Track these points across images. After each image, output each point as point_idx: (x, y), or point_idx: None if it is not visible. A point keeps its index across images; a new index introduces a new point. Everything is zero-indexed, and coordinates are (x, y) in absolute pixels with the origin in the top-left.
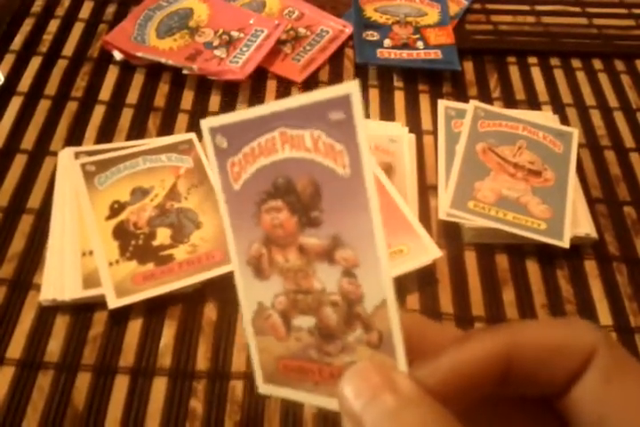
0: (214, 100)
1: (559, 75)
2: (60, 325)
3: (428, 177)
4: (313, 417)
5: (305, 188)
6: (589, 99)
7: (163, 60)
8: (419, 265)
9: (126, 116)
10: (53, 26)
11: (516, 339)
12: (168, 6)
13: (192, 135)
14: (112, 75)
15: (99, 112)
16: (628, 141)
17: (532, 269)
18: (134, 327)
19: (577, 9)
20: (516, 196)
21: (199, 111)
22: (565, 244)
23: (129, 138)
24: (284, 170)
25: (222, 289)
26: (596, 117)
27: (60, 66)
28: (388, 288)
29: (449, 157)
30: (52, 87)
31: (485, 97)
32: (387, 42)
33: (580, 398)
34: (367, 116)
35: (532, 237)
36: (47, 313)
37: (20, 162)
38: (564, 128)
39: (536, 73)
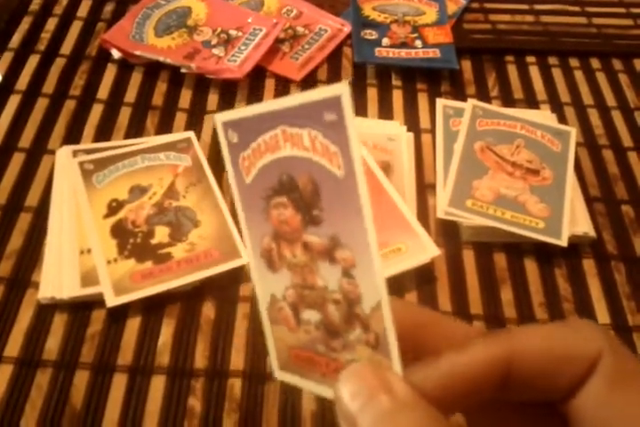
0: (212, 99)
1: (557, 74)
2: (59, 323)
3: (427, 176)
4: (311, 415)
5: (305, 186)
6: (587, 98)
7: (161, 59)
8: (417, 263)
9: (124, 114)
10: (51, 24)
11: (516, 346)
12: (166, 5)
13: (190, 134)
14: (110, 73)
15: (97, 110)
16: (626, 140)
17: (530, 267)
18: (132, 326)
19: (576, 8)
20: (514, 194)
21: (197, 110)
22: (563, 242)
23: (127, 136)
24: (287, 167)
25: (220, 287)
26: (594, 116)
27: (58, 64)
28: (382, 290)
29: (447, 155)
30: (49, 85)
31: (484, 96)
32: (385, 41)
33: (583, 403)
34: (365, 114)
35: (530, 235)
36: (45, 311)
37: (17, 160)
38: (563, 127)
39: (534, 72)
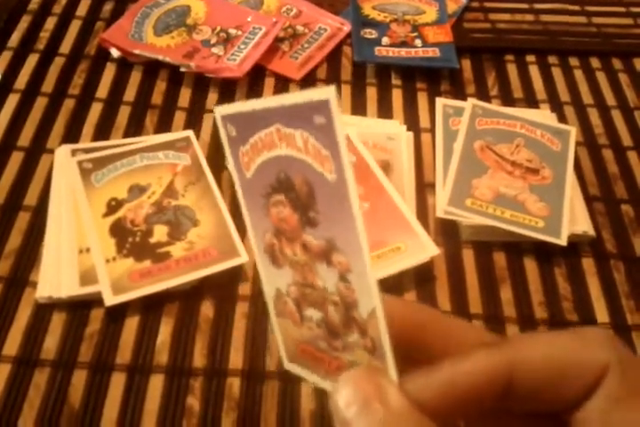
0: (212, 98)
1: (557, 73)
2: (57, 322)
3: (426, 175)
4: (310, 414)
5: (301, 187)
6: (587, 97)
7: (160, 58)
8: (416, 263)
9: (123, 113)
10: (50, 23)
11: (519, 355)
12: (165, 4)
13: (189, 133)
14: (109, 72)
15: (96, 109)
16: (626, 140)
17: (530, 266)
18: (131, 325)
19: (576, 7)
20: (514, 193)
21: (196, 109)
22: (563, 241)
23: (126, 135)
24: (284, 166)
25: (219, 286)
26: (594, 116)
27: (57, 63)
28: (376, 298)
29: (447, 154)
30: (48, 84)
31: (483, 95)
32: (385, 40)
33: (587, 416)
34: (365, 113)
35: (529, 234)
36: (44, 310)
37: (16, 159)
38: (562, 126)
39: (534, 71)
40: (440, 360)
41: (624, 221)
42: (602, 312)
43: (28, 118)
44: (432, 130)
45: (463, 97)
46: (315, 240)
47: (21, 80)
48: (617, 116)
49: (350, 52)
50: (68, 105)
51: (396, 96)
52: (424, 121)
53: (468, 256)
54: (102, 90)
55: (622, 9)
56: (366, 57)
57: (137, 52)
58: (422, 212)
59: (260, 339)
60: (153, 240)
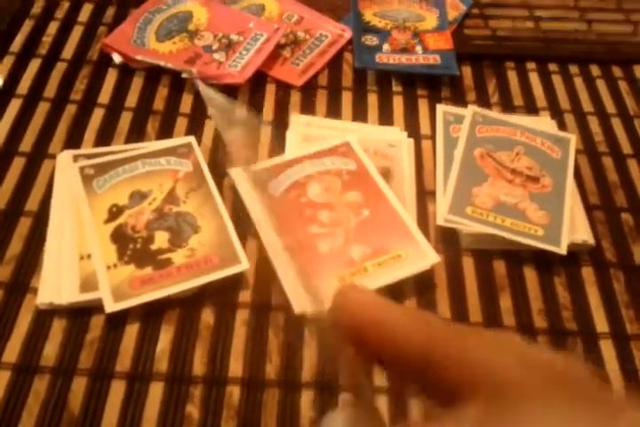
0: None
1: (557, 80)
2: (57, 328)
3: (427, 182)
4: (309, 422)
5: None
6: (587, 105)
7: (162, 64)
8: (417, 270)
9: (125, 119)
10: (53, 28)
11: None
12: (167, 9)
13: (191, 139)
14: (111, 78)
15: (98, 115)
16: (626, 148)
17: (530, 275)
18: (131, 332)
19: (575, 15)
20: (514, 202)
21: (198, 115)
22: (563, 250)
23: (128, 141)
24: None
25: (220, 294)
26: (594, 124)
27: (60, 68)
28: None
29: (447, 162)
30: (51, 90)
31: (484, 102)
32: (386, 47)
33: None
34: (365, 120)
35: (529, 243)
36: (44, 317)
37: (18, 164)
38: (562, 134)
39: (534, 78)
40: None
41: (624, 229)
42: (601, 322)
43: (30, 123)
44: (433, 137)
45: (464, 104)
46: None
47: (23, 85)
48: (617, 124)
49: (351, 59)
50: (70, 110)
51: (397, 103)
52: (425, 128)
53: (468, 264)
54: (104, 95)
55: (622, 16)
56: (367, 64)
57: (139, 57)
58: (423, 219)
59: (260, 347)
60: (154, 247)
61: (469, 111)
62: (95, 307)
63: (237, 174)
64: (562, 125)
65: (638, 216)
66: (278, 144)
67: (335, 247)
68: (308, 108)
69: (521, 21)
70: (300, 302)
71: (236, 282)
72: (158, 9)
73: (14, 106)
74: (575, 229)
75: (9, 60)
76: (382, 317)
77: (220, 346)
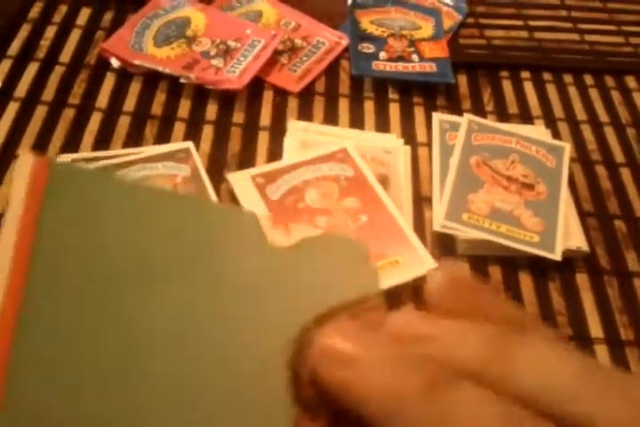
0: (211, 110)
1: (551, 89)
2: None
3: (423, 189)
4: None
5: None
6: (580, 114)
7: (160, 69)
8: (414, 276)
9: (123, 123)
10: (51, 32)
11: None
12: (165, 15)
13: (189, 144)
14: (109, 82)
15: (95, 119)
16: (618, 156)
17: (525, 281)
18: None
19: (569, 25)
20: (510, 208)
21: (196, 120)
22: (557, 257)
23: (126, 146)
24: None
25: None
26: (587, 132)
27: (57, 72)
28: None
29: (443, 169)
30: (48, 93)
31: (479, 110)
32: (382, 54)
33: None
34: (362, 127)
35: (524, 249)
36: None
37: None
38: (557, 142)
39: (529, 87)
40: None
41: (617, 236)
42: (595, 327)
43: (28, 127)
44: (429, 144)
45: (459, 112)
46: None
47: (21, 89)
48: (609, 133)
49: (348, 66)
50: (68, 114)
51: (394, 110)
52: (421, 135)
53: (464, 270)
54: (102, 100)
55: (614, 27)
56: (364, 71)
57: (137, 62)
58: (419, 225)
59: None
60: None
61: (465, 119)
62: None
63: (235, 179)
64: (556, 134)
65: (631, 223)
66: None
67: None
68: (305, 114)
69: (515, 31)
70: None
71: None
72: (156, 14)
73: (12, 109)
74: (569, 235)
75: (6, 64)
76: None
77: None
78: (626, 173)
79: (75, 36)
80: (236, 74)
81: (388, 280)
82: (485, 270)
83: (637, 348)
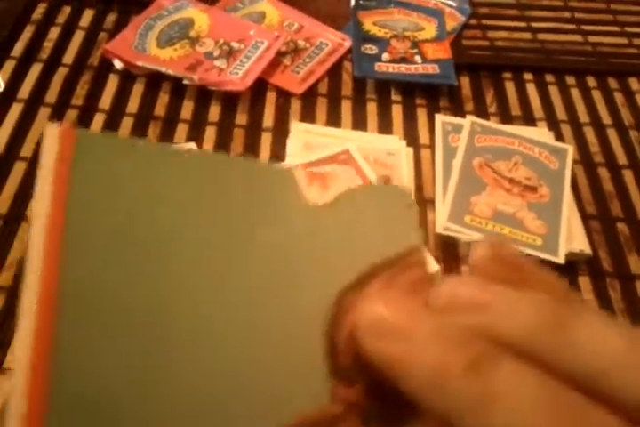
0: (214, 111)
1: (554, 91)
2: None
3: (426, 191)
4: None
5: None
6: (583, 116)
7: (163, 70)
8: None
9: (126, 125)
10: (54, 33)
11: None
12: (169, 16)
13: (192, 145)
14: (112, 83)
15: (98, 121)
16: (621, 158)
17: None
18: None
19: (572, 26)
20: (512, 211)
21: (199, 121)
22: (560, 259)
23: None
24: None
25: None
26: (590, 134)
27: (61, 73)
28: None
29: (446, 171)
30: (52, 95)
31: (482, 112)
32: (385, 56)
33: None
34: (365, 128)
35: (527, 252)
36: None
37: (19, 169)
38: (560, 145)
39: (531, 89)
40: None
41: (620, 239)
42: None
43: (31, 128)
44: (431, 146)
45: (462, 114)
46: None
47: (24, 90)
48: (612, 135)
49: (351, 68)
50: (71, 116)
51: (396, 112)
52: (423, 137)
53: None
54: (105, 101)
55: (617, 28)
56: (366, 72)
57: (140, 63)
58: (422, 227)
59: None
60: None
61: (468, 121)
62: None
63: None
64: (559, 136)
65: (634, 226)
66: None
67: None
68: (308, 115)
69: (518, 32)
70: None
71: None
72: (159, 15)
73: (15, 110)
74: (572, 238)
75: (10, 65)
76: None
77: None
78: (629, 176)
79: (78, 38)
80: (239, 75)
81: None
82: None
83: None
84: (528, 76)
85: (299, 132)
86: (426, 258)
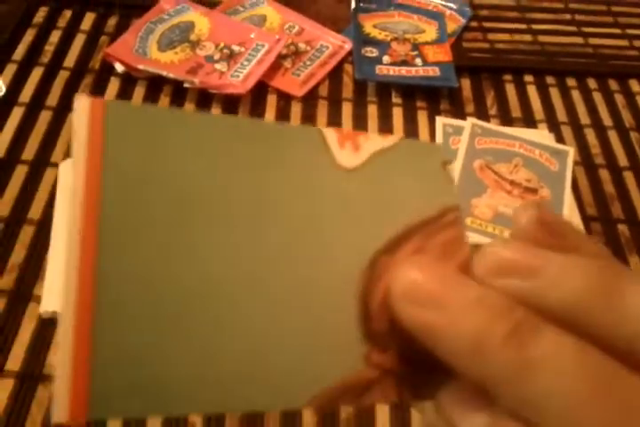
0: (215, 114)
1: (555, 93)
2: None
3: None
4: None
5: None
6: (584, 117)
7: (164, 73)
8: None
9: None
10: (55, 37)
11: None
12: (169, 19)
13: None
14: (113, 87)
15: None
16: (622, 160)
17: None
18: None
19: (572, 28)
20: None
21: None
22: None
23: None
24: None
25: None
26: (591, 136)
27: (62, 77)
28: None
29: None
30: (53, 98)
31: (482, 114)
32: (385, 58)
33: None
34: (365, 131)
35: None
36: (47, 325)
37: (20, 173)
38: (560, 146)
39: (532, 91)
40: None
41: (621, 241)
42: None
43: (33, 132)
44: None
45: (462, 116)
46: None
47: (26, 93)
48: (613, 137)
49: (351, 70)
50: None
51: (397, 114)
52: (424, 139)
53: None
54: None
55: (618, 30)
56: (367, 75)
57: (141, 67)
58: None
59: None
60: None
61: (468, 123)
62: None
63: None
64: (559, 138)
65: (635, 227)
66: None
67: None
68: (308, 118)
69: (519, 35)
70: None
71: None
72: (160, 19)
73: (16, 114)
74: None
75: (11, 69)
76: None
77: None
78: (629, 177)
79: (79, 41)
80: (239, 78)
81: None
82: None
83: None
84: (529, 78)
85: None
86: (461, 217)
